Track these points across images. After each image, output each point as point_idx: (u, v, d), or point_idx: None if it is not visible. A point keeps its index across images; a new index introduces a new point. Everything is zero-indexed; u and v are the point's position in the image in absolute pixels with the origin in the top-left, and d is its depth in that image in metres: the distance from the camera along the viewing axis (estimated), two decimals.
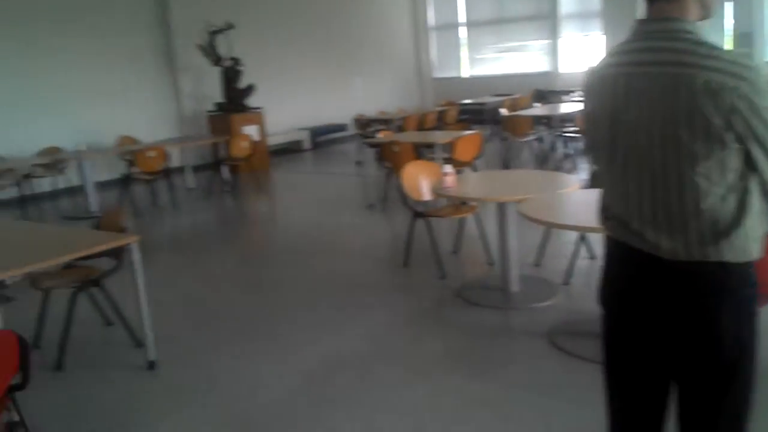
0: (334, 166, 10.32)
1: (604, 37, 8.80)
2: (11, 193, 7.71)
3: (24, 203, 7.63)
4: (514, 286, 4.15)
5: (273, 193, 8.69)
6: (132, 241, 3.23)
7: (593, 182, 4.01)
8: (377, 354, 3.44)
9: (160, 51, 10.00)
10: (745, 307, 1.46)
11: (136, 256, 3.25)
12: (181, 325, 4.00)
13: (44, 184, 8.29)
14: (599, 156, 1.63)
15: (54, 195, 8.40)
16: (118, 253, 3.35)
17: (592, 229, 3.20)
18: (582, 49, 13.62)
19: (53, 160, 7.52)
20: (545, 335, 3.50)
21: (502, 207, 4.06)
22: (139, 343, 3.59)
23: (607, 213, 1.63)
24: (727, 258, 1.40)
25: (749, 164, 1.38)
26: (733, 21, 11.16)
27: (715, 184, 1.38)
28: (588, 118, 1.65)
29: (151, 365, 3.39)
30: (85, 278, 3.53)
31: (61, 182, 8.42)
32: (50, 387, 3.26)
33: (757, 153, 1.36)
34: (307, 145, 11.95)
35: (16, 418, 2.38)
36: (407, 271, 4.77)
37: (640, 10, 1.57)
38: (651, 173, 1.44)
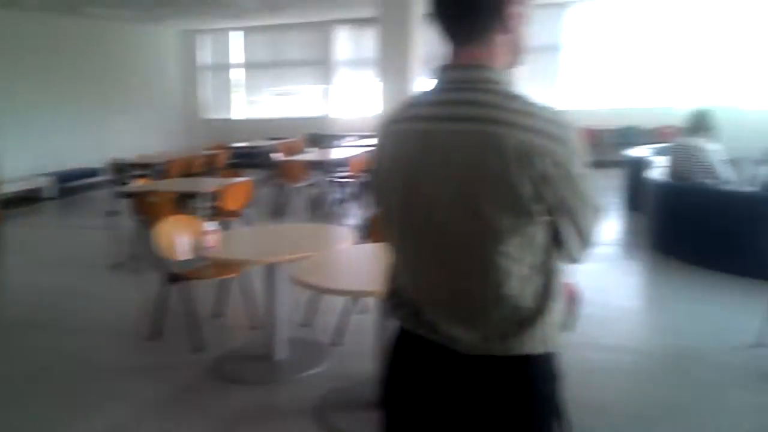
0: (81, 218, 9.03)
1: (381, 83, 9.03)
2: None
3: None
4: (281, 353, 3.71)
5: None
6: None
7: (368, 234, 3.77)
8: None
9: None
10: (549, 405, 1.28)
11: None
12: None
13: None
14: (391, 230, 1.30)
15: None
16: None
17: (366, 294, 2.94)
18: (356, 95, 13.93)
19: None
20: (312, 411, 3.10)
21: (270, 268, 3.65)
22: None
23: (397, 299, 1.33)
24: (530, 351, 1.22)
25: (555, 239, 1.20)
26: None
27: (520, 263, 1.18)
28: (379, 183, 1.31)
29: None
30: None
31: None
32: None
33: (567, 227, 1.16)
34: (50, 192, 10.36)
35: None
36: (157, 345, 4.07)
37: (415, 58, 1.26)
38: (449, 253, 1.20)
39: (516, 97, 1.15)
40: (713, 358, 3.58)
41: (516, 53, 1.24)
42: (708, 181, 5.29)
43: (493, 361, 1.22)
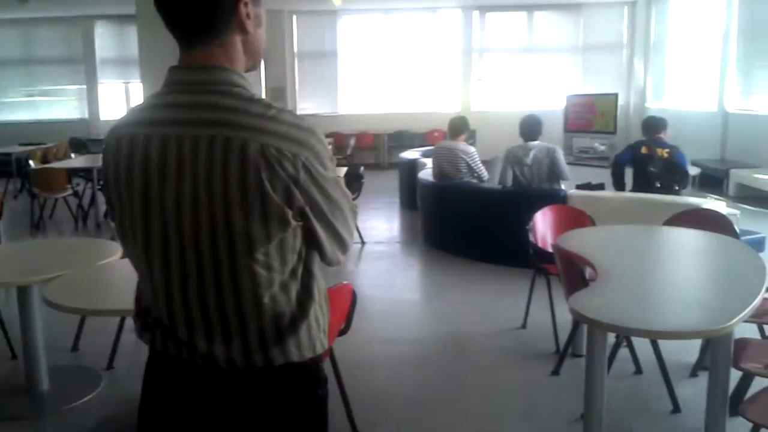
0: None
1: (142, 84, 8.53)
2: None
3: None
4: (44, 384, 3.32)
5: None
6: None
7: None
8: None
9: None
10: (318, 410, 1.26)
11: None
12: None
13: None
14: (132, 246, 1.19)
15: None
16: None
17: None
18: (123, 96, 13.03)
19: None
20: None
21: (23, 291, 3.24)
22: None
23: (146, 320, 1.23)
24: (295, 358, 1.18)
25: (310, 243, 1.17)
26: (264, 75, 12.01)
27: (276, 271, 1.13)
28: (113, 195, 1.18)
29: None
30: None
31: None
32: None
33: (319, 229, 1.15)
34: None
35: None
36: None
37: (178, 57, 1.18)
38: (199, 266, 1.12)
39: (257, 101, 1.11)
40: (485, 342, 3.92)
41: (254, 55, 1.21)
42: (467, 180, 5.83)
43: (256, 374, 1.17)
